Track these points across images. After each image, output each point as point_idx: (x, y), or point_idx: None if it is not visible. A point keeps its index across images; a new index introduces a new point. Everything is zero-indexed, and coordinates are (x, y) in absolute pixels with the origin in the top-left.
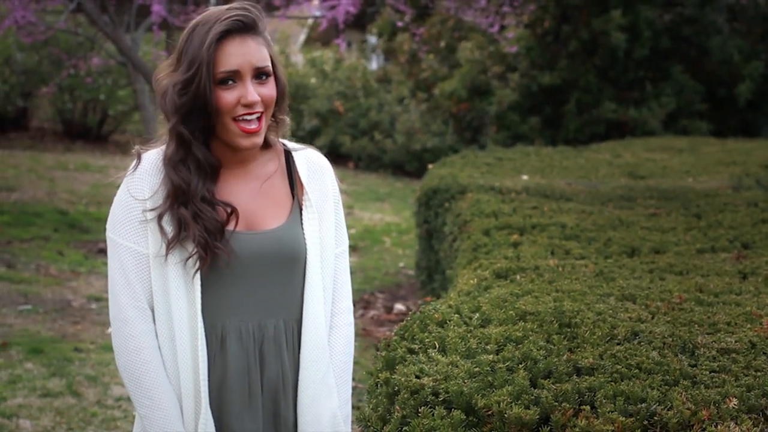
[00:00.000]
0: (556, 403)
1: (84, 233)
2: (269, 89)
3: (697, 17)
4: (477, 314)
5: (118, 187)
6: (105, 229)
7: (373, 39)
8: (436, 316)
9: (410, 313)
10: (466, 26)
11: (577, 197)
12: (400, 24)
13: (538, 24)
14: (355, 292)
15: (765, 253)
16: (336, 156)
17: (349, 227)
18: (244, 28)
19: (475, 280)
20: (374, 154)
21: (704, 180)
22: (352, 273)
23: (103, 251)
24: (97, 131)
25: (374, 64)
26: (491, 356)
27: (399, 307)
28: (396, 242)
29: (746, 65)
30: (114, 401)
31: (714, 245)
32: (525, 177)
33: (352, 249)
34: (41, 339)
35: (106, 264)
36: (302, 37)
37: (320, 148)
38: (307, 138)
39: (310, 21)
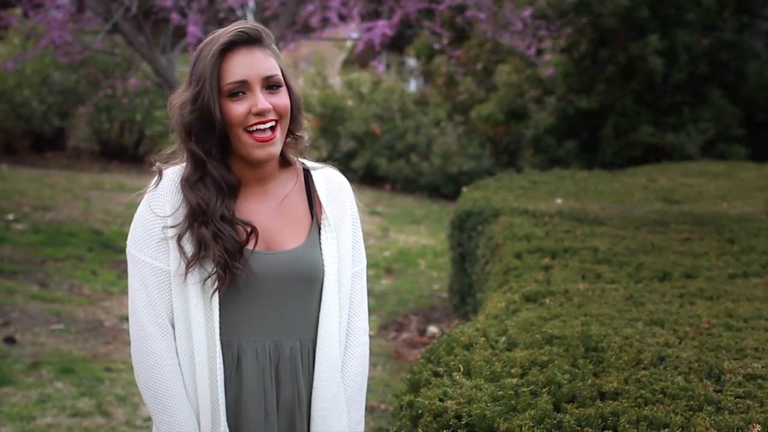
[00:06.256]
0: (579, 428)
1: (118, 253)
2: (281, 99)
3: (735, 42)
4: (503, 338)
5: (139, 203)
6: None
7: (411, 61)
8: (463, 339)
9: (437, 336)
10: (504, 49)
11: (611, 221)
12: (437, 46)
13: (575, 48)
14: (388, 314)
15: None
16: (372, 178)
17: (384, 249)
18: (250, 40)
19: (504, 303)
20: (410, 176)
21: (739, 205)
22: (386, 295)
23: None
24: (134, 151)
25: (413, 86)
26: (515, 380)
27: (432, 329)
28: (431, 265)
29: None
30: (143, 421)
31: (746, 270)
32: (559, 200)
33: (387, 271)
34: (72, 358)
35: None
36: (340, 59)
37: (356, 170)
38: (344, 160)
39: (348, 43)
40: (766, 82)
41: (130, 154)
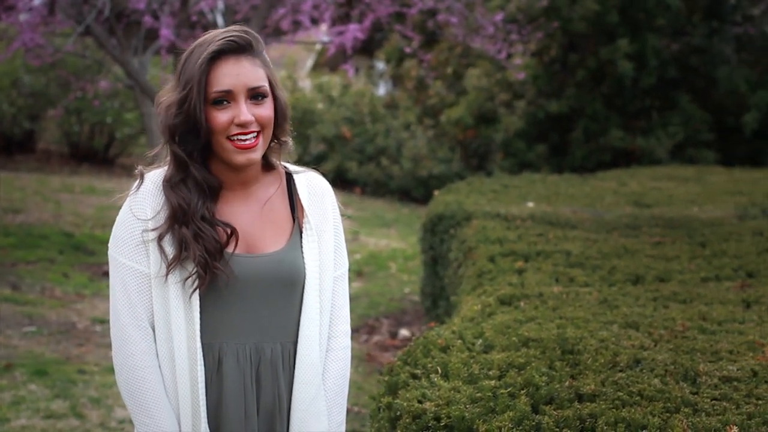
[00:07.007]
0: (557, 429)
1: (89, 255)
2: (265, 110)
3: (705, 47)
4: (480, 340)
5: (121, 207)
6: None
7: (380, 65)
8: (440, 341)
9: (414, 338)
10: (474, 53)
11: (583, 225)
12: (408, 50)
13: (545, 52)
14: (359, 317)
15: None
16: (342, 181)
17: (354, 252)
18: (239, 48)
19: (479, 306)
20: (381, 179)
21: (709, 209)
22: (357, 298)
23: (108, 274)
24: (104, 154)
25: (382, 90)
26: (493, 382)
27: (404, 332)
28: (401, 268)
29: (753, 95)
30: (117, 423)
31: (718, 274)
32: (531, 204)
33: (358, 274)
34: (45, 361)
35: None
36: (310, 63)
37: (327, 174)
38: (314, 163)
39: (318, 46)
40: (736, 87)
41: (101, 157)
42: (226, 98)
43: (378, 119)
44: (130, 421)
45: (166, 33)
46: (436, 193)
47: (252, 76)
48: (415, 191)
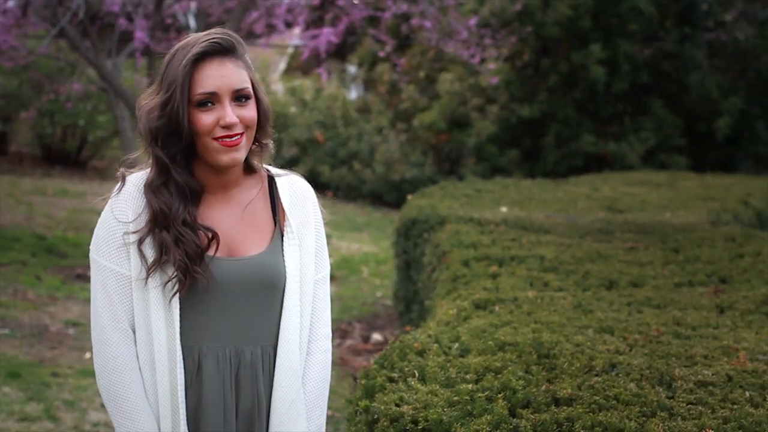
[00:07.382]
0: None
1: (61, 258)
2: (249, 111)
3: (677, 53)
4: (456, 344)
5: (102, 209)
6: (83, 255)
7: (353, 68)
8: (416, 345)
9: (389, 342)
10: (447, 57)
11: (556, 230)
12: (381, 54)
13: (518, 57)
14: (332, 321)
15: (742, 288)
16: (315, 185)
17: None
18: (223, 50)
19: (455, 310)
20: (353, 183)
21: (682, 215)
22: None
23: (81, 277)
24: (76, 156)
25: (353, 94)
26: (470, 385)
27: (376, 336)
28: (374, 272)
29: (725, 101)
30: (91, 426)
31: (691, 279)
32: (504, 209)
33: (330, 278)
34: (19, 363)
35: (83, 289)
36: (282, 66)
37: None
38: (286, 167)
39: (290, 50)
40: (707, 93)
41: (73, 159)
42: (211, 100)
43: (350, 123)
44: (105, 424)
45: (140, 36)
46: (409, 197)
47: (236, 77)
48: (387, 195)
